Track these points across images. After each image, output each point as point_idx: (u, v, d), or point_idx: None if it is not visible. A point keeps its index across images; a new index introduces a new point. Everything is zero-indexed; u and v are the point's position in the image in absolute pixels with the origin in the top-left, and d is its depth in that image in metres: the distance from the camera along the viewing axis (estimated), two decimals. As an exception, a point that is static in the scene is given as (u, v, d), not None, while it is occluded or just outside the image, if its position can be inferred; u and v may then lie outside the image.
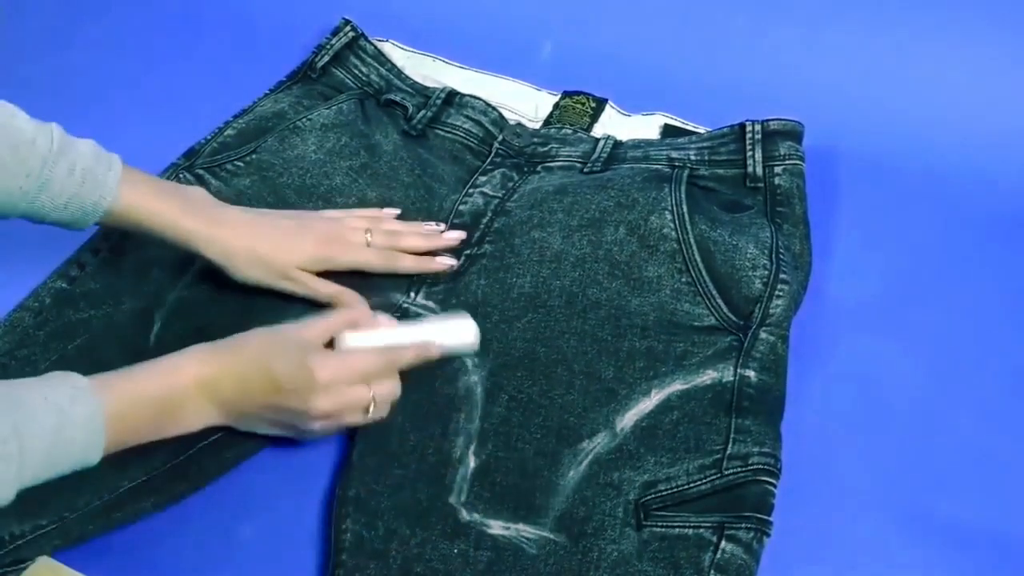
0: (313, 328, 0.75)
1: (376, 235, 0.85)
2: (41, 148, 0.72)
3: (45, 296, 0.84)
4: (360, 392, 0.73)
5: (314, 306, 0.83)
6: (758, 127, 0.93)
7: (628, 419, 0.77)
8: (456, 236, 0.88)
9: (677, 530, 0.71)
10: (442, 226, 0.89)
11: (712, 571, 0.69)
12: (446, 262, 0.86)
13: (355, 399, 0.73)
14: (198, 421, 0.71)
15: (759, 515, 0.71)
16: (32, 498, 0.70)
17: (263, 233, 0.81)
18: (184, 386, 0.70)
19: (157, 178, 0.80)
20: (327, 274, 0.84)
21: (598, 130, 1.00)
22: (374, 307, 0.84)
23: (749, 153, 0.92)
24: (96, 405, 0.64)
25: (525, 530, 0.72)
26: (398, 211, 0.89)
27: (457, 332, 0.79)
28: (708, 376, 0.78)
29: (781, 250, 0.85)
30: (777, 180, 0.91)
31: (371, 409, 0.73)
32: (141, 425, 0.68)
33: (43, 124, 0.74)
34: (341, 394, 0.72)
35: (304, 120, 0.95)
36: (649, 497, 0.73)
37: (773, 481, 0.73)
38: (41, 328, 0.81)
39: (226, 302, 0.84)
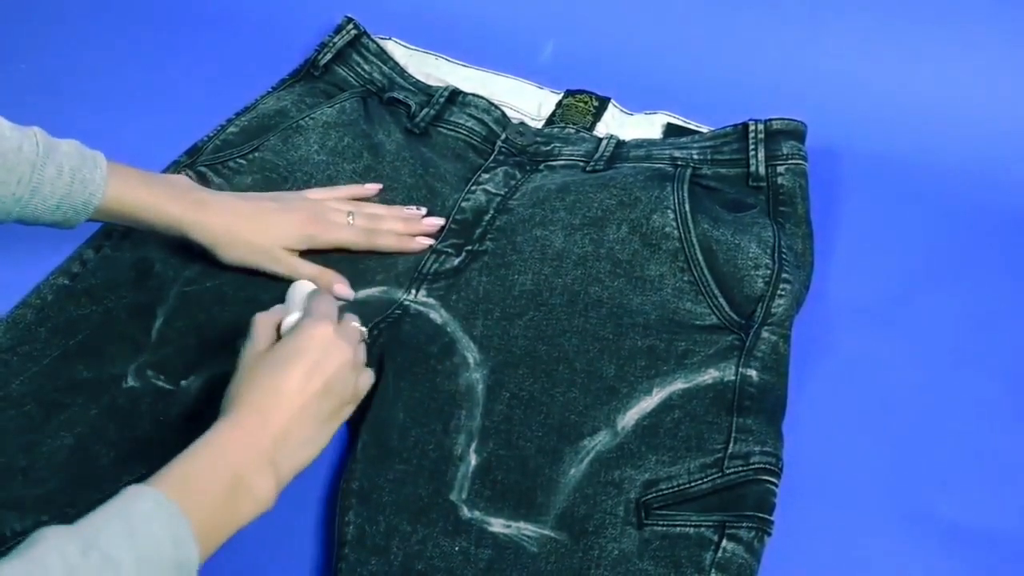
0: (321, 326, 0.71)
1: (358, 217, 0.87)
2: (28, 153, 0.74)
3: (47, 292, 0.84)
4: (352, 324, 0.72)
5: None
6: (761, 126, 0.93)
7: (629, 417, 0.77)
8: (436, 222, 0.90)
9: (678, 529, 0.71)
10: (423, 210, 0.90)
11: (713, 570, 0.69)
12: (425, 242, 0.88)
13: (355, 334, 0.72)
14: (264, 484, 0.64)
15: (760, 514, 0.71)
16: (34, 495, 0.70)
17: (246, 215, 0.83)
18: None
19: (140, 170, 0.81)
20: (329, 261, 0.86)
21: (601, 129, 1.00)
22: (375, 304, 0.85)
23: (752, 152, 0.92)
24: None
25: (526, 528, 0.72)
26: (380, 186, 0.91)
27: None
28: (710, 375, 0.78)
29: (783, 249, 0.85)
30: (780, 179, 0.91)
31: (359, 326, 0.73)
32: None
33: (25, 129, 0.76)
34: (346, 328, 0.71)
35: (307, 119, 0.95)
36: (650, 496, 0.73)
37: (774, 480, 0.73)
38: (43, 324, 0.81)
39: (228, 298, 0.84)
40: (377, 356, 0.82)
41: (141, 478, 0.73)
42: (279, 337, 0.70)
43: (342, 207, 0.87)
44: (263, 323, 0.71)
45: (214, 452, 0.62)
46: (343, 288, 0.84)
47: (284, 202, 0.86)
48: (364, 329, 0.74)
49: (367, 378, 0.72)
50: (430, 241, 0.89)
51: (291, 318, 0.71)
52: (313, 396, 0.66)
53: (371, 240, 0.87)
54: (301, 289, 0.75)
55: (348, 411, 0.70)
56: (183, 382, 0.78)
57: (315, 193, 0.89)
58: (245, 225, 0.82)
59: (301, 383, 0.65)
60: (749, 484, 0.72)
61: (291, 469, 0.65)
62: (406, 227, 0.89)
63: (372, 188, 0.91)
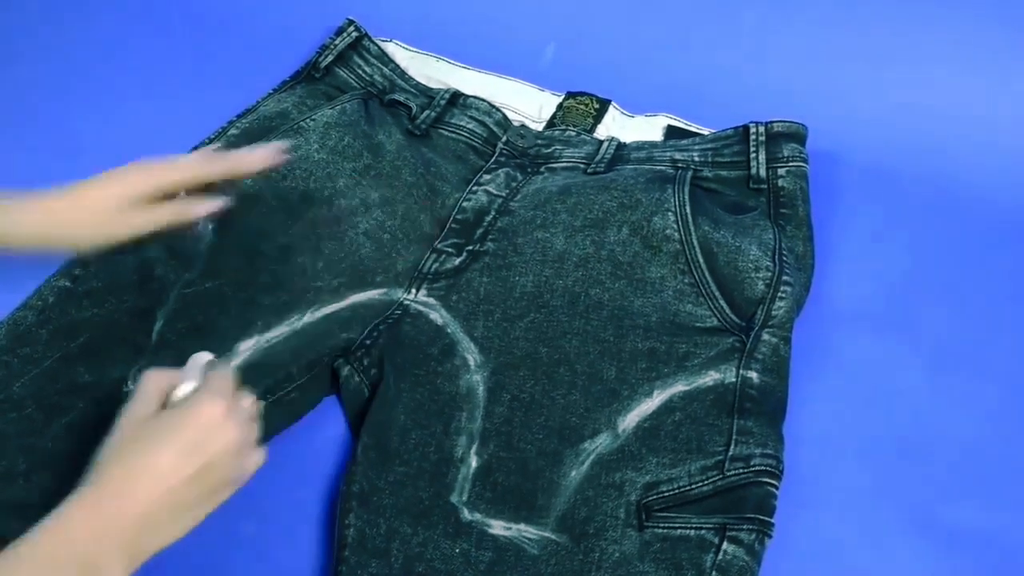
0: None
1: (190, 159, 0.79)
2: None
3: (48, 294, 0.84)
4: (250, 418, 0.66)
5: (320, 303, 0.83)
6: (762, 129, 0.93)
7: (630, 420, 0.77)
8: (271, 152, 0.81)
9: (679, 531, 0.71)
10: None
11: (714, 572, 0.69)
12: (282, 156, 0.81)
13: (250, 428, 0.66)
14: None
15: (761, 516, 0.71)
16: (36, 498, 0.70)
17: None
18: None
19: None
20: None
21: (601, 131, 1.00)
22: (375, 306, 0.85)
23: (753, 155, 0.92)
24: None
25: (527, 530, 0.72)
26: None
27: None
28: (710, 377, 0.78)
29: (784, 252, 0.85)
30: (780, 182, 0.91)
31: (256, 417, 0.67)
32: None
33: None
34: (241, 424, 0.64)
35: (308, 120, 0.95)
36: (651, 498, 0.73)
37: (775, 483, 0.73)
38: (44, 326, 0.81)
39: (228, 300, 0.84)
40: (377, 357, 0.82)
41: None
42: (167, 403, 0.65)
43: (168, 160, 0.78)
44: (152, 384, 0.65)
45: (63, 534, 0.58)
46: (205, 205, 0.78)
47: None
48: (260, 403, 0.68)
49: (256, 459, 0.65)
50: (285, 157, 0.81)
51: (184, 388, 0.66)
52: (186, 479, 0.60)
53: (221, 165, 0.79)
54: (199, 359, 0.70)
55: (228, 493, 0.64)
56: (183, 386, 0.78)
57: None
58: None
59: (174, 463, 0.60)
60: (750, 486, 0.72)
61: (149, 551, 0.60)
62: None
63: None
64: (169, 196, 0.77)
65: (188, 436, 0.61)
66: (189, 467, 0.60)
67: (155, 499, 0.59)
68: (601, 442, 0.76)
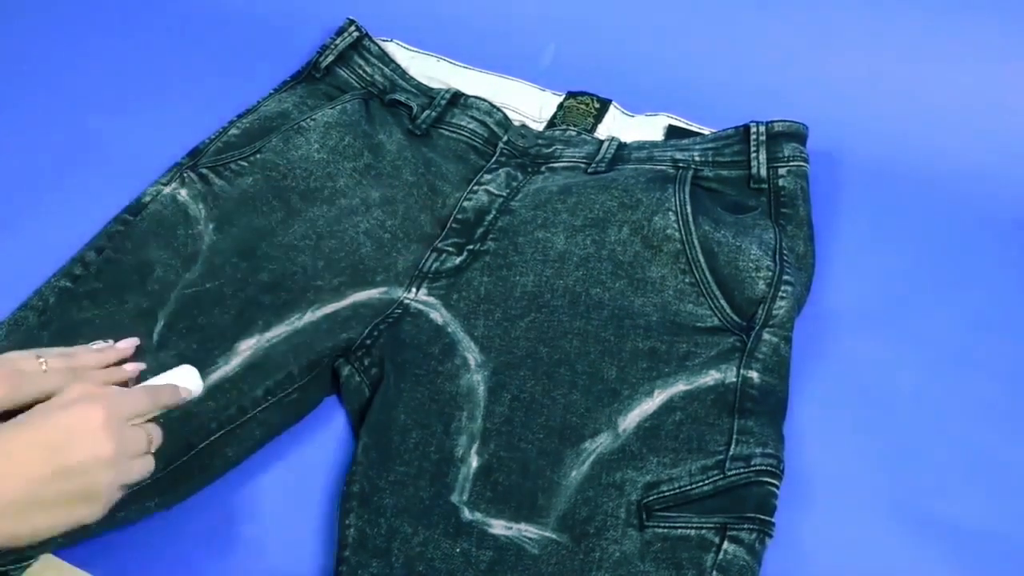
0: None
1: (50, 360, 0.73)
2: None
3: (49, 295, 0.84)
4: (139, 432, 0.66)
5: (321, 303, 0.83)
6: (762, 128, 0.93)
7: (631, 419, 0.77)
8: (128, 345, 0.79)
9: (679, 531, 0.71)
10: (109, 342, 0.79)
11: (714, 572, 0.69)
12: (133, 369, 0.76)
13: (136, 439, 0.65)
14: None
15: (761, 516, 0.71)
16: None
17: None
18: None
19: None
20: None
21: (602, 131, 1.00)
22: (375, 305, 0.85)
23: (753, 154, 0.92)
24: None
25: (527, 530, 0.72)
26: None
27: (184, 378, 0.73)
28: (711, 377, 0.78)
29: (784, 251, 0.85)
30: (781, 182, 0.91)
31: (152, 448, 0.66)
32: None
33: None
34: (122, 434, 0.63)
35: (308, 120, 0.95)
36: (652, 498, 0.73)
37: (775, 482, 0.73)
38: (45, 327, 0.82)
39: (228, 299, 0.84)
40: (378, 357, 0.82)
41: (144, 483, 0.74)
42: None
43: (29, 355, 0.73)
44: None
45: None
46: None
47: None
48: (157, 439, 0.67)
49: (137, 470, 0.64)
50: (140, 366, 0.76)
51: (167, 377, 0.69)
52: (43, 476, 0.59)
53: (74, 376, 0.73)
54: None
55: (99, 506, 0.63)
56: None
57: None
58: None
59: (28, 456, 0.59)
60: (750, 486, 0.72)
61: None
62: (99, 357, 0.76)
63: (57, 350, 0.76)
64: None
65: (50, 435, 0.60)
66: (46, 465, 0.59)
67: (8, 485, 0.58)
68: (602, 442, 0.76)
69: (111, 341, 0.79)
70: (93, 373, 0.72)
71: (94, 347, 0.78)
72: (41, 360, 0.72)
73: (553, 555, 0.71)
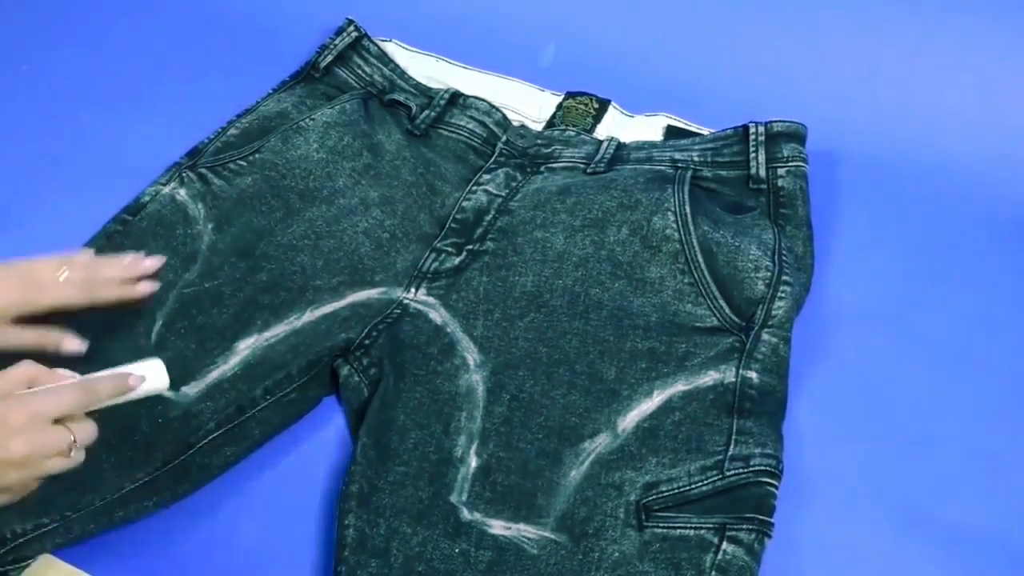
0: None
1: (72, 271, 0.78)
2: None
3: (48, 294, 0.84)
4: (60, 433, 0.65)
5: (319, 302, 0.83)
6: (761, 129, 0.93)
7: (630, 420, 0.77)
8: (155, 263, 0.84)
9: (678, 531, 0.71)
10: (141, 255, 0.84)
11: (713, 572, 0.69)
12: (147, 288, 0.82)
13: (55, 440, 0.65)
14: None
15: (760, 516, 0.71)
16: (35, 497, 0.70)
17: None
18: None
19: None
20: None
21: (601, 131, 1.00)
22: (374, 305, 0.85)
23: (752, 155, 0.92)
24: None
25: (526, 530, 0.72)
26: (91, 251, 0.85)
27: (148, 372, 0.72)
28: (710, 377, 0.78)
29: (784, 252, 0.85)
30: (780, 182, 0.91)
31: (72, 450, 0.66)
32: None
33: None
34: (39, 436, 0.64)
35: (307, 120, 0.95)
36: (651, 498, 0.73)
37: (774, 482, 0.73)
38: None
39: (226, 299, 0.84)
40: (377, 357, 0.82)
41: (141, 482, 0.74)
42: None
43: (53, 265, 0.78)
44: (6, 383, 0.65)
45: None
46: (72, 343, 0.78)
47: None
48: (85, 436, 0.67)
49: (37, 471, 0.64)
50: (155, 287, 0.82)
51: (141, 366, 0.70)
52: None
53: (91, 293, 0.79)
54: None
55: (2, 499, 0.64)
56: (183, 387, 0.79)
57: (21, 261, 0.79)
58: None
59: None
60: (749, 486, 0.72)
61: None
62: (124, 271, 0.82)
63: (85, 252, 0.84)
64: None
65: None
66: None
67: None
68: (601, 442, 0.76)
69: (141, 254, 0.84)
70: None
71: (125, 259, 0.83)
72: (61, 271, 0.77)
73: (552, 555, 0.71)
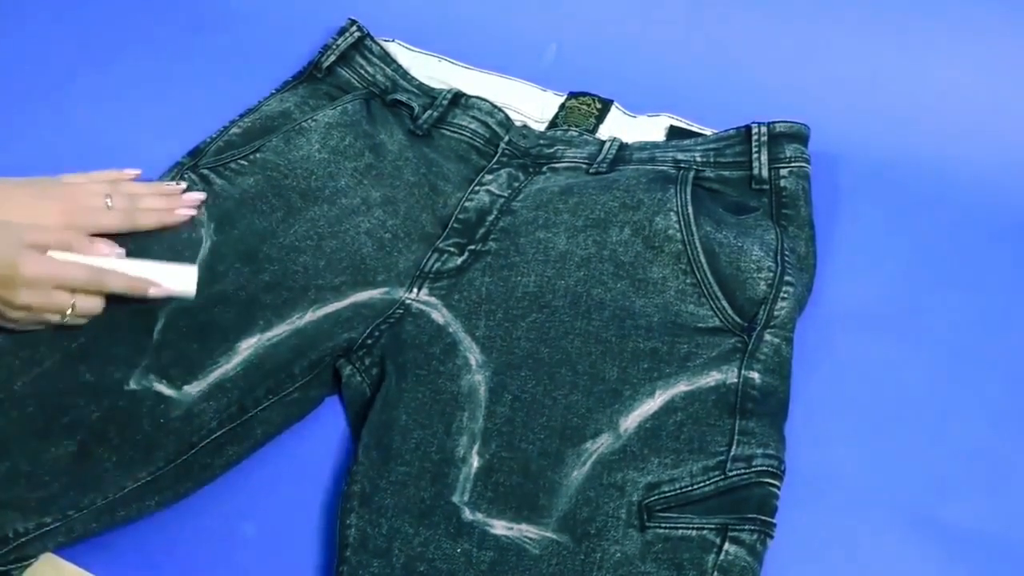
0: (37, 232, 0.76)
1: (116, 198, 0.85)
2: None
3: (50, 293, 0.84)
4: (62, 297, 0.76)
5: (322, 302, 0.83)
6: (764, 129, 0.93)
7: (632, 420, 0.77)
8: (196, 197, 0.89)
9: (680, 531, 0.71)
10: (183, 185, 0.90)
11: (715, 572, 0.69)
12: (187, 213, 0.88)
13: (56, 302, 0.76)
14: None
15: (762, 517, 0.71)
16: (37, 497, 0.71)
17: (2, 208, 0.80)
18: None
19: None
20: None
21: (604, 131, 1.00)
22: (376, 306, 0.85)
23: (755, 155, 0.92)
24: None
25: (528, 530, 0.72)
26: (139, 171, 0.90)
27: (177, 276, 0.80)
28: (712, 378, 0.78)
29: (786, 252, 0.85)
30: (783, 182, 0.91)
31: (67, 314, 0.76)
32: None
33: None
34: (44, 294, 0.75)
35: (309, 120, 0.95)
36: (652, 498, 0.73)
37: (777, 483, 0.73)
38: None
39: (229, 299, 0.84)
40: (379, 357, 0.82)
41: (143, 482, 0.74)
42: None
43: (99, 190, 0.85)
44: (50, 238, 0.76)
45: None
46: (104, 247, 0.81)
47: (41, 189, 0.83)
48: (84, 307, 0.77)
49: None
50: (192, 212, 0.88)
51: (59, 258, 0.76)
52: None
53: (132, 221, 0.85)
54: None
55: None
56: (185, 387, 0.78)
57: (72, 177, 0.86)
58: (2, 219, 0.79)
59: None
60: (751, 487, 0.72)
61: None
62: (166, 203, 0.88)
63: (130, 173, 0.89)
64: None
65: None
66: None
67: None
68: (603, 442, 0.76)
69: (183, 184, 0.90)
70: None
71: (164, 187, 0.89)
72: (107, 197, 0.84)
73: (554, 556, 0.71)
